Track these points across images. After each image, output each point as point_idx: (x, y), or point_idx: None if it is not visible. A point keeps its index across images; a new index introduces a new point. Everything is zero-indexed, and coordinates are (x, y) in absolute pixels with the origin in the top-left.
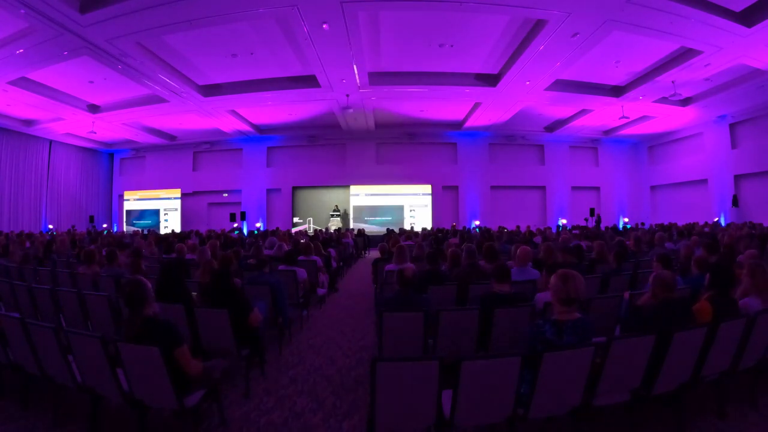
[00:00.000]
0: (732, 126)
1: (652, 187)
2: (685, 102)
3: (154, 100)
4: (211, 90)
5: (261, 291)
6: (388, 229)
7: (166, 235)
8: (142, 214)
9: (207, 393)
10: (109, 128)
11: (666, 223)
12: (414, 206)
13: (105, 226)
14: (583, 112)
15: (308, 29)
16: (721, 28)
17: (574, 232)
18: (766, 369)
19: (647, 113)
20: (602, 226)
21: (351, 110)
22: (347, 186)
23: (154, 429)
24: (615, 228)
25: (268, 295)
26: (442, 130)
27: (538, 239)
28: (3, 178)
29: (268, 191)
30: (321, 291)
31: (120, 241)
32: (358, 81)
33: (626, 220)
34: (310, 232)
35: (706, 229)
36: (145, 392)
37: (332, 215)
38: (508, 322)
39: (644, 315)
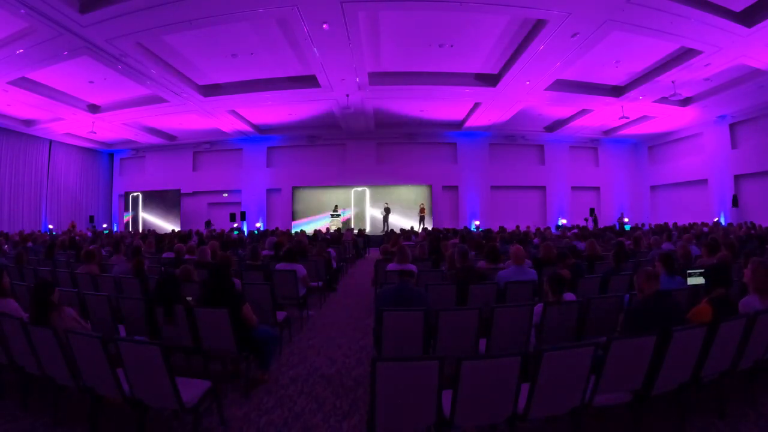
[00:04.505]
0: (732, 126)
1: (652, 187)
2: (685, 102)
3: (154, 100)
4: (211, 90)
5: (261, 291)
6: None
7: (164, 234)
8: None
9: (207, 392)
10: (109, 128)
11: (668, 223)
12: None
13: (105, 226)
14: (583, 112)
15: (308, 29)
16: (721, 28)
17: (568, 234)
18: (766, 369)
19: (647, 113)
20: (601, 226)
21: (351, 110)
22: (347, 186)
23: (154, 429)
24: (614, 228)
25: (269, 296)
26: (442, 130)
27: (536, 240)
28: (3, 178)
29: (268, 191)
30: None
31: (120, 241)
32: (358, 81)
33: (626, 220)
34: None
35: (705, 229)
36: (145, 392)
37: (332, 215)
38: (508, 322)
39: (635, 311)
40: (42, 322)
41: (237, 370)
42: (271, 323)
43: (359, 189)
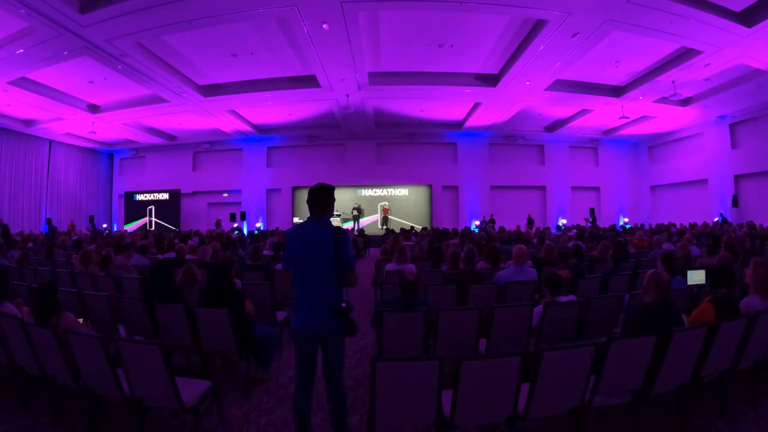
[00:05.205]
0: (732, 126)
1: (652, 187)
2: (685, 102)
3: (154, 100)
4: (211, 90)
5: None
6: (387, 229)
7: (163, 235)
8: None
9: (207, 392)
10: (109, 128)
11: (666, 223)
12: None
13: (105, 226)
14: (583, 112)
15: (308, 29)
16: (721, 28)
17: (569, 233)
18: (766, 369)
19: (647, 113)
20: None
21: (351, 110)
22: (347, 186)
23: (154, 429)
24: (613, 228)
25: (269, 296)
26: (442, 130)
27: (534, 240)
28: (3, 178)
29: (268, 191)
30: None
31: (120, 241)
32: (358, 81)
33: (626, 220)
34: None
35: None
36: (145, 392)
37: (333, 215)
38: (509, 322)
39: (636, 314)
40: (45, 324)
41: (237, 370)
42: (271, 323)
43: (360, 190)
